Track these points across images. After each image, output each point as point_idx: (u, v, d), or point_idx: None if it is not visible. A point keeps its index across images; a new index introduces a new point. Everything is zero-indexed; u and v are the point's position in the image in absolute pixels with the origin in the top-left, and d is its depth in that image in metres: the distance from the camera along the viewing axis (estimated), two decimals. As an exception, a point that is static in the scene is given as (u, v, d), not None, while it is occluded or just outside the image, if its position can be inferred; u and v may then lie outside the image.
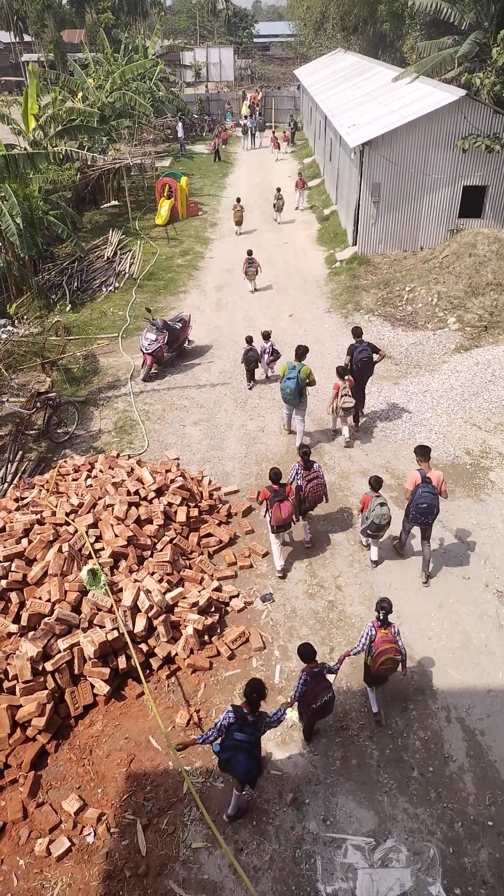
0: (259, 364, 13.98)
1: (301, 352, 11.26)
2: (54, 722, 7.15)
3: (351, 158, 20.47)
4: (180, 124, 38.12)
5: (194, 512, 9.96)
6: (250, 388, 14.08)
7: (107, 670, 7.48)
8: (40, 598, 7.87)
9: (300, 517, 9.43)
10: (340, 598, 8.89)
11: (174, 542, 9.27)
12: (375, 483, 8.80)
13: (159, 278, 20.14)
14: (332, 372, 14.12)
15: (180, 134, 37.75)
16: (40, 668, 7.29)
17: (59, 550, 8.33)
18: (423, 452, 8.68)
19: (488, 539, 9.74)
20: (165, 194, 25.29)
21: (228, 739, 5.80)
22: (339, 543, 9.82)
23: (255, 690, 5.84)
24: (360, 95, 24.68)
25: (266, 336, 13.89)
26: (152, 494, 9.86)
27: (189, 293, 19.14)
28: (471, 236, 17.22)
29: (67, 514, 9.18)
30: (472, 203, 19.47)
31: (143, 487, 9.89)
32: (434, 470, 8.73)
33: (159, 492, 10.00)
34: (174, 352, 15.01)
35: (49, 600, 7.84)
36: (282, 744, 7.08)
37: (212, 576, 9.11)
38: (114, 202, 27.09)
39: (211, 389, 14.01)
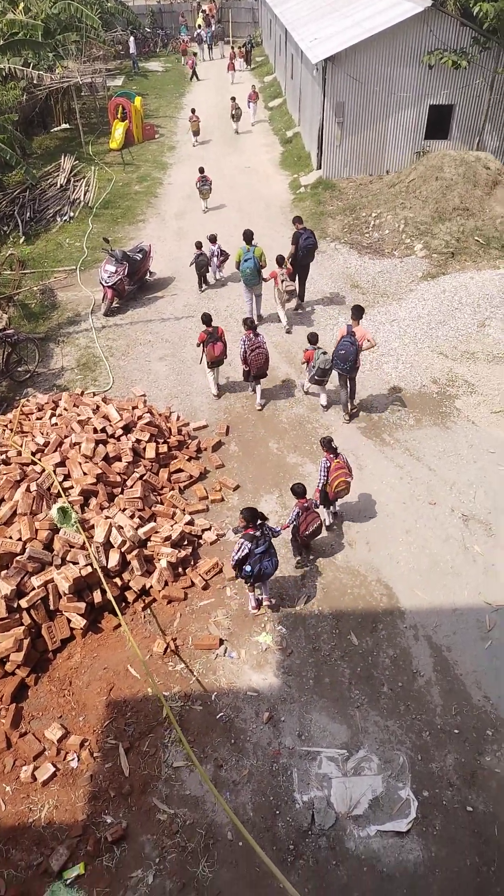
0: (209, 268, 14.51)
1: (249, 235, 12.53)
2: (32, 656, 7.25)
3: (313, 76, 19.56)
4: (132, 39, 35.76)
5: (163, 448, 9.90)
6: (202, 292, 14.73)
7: (82, 605, 7.55)
8: (10, 538, 7.82)
9: (248, 382, 11.11)
10: (311, 527, 9.03)
11: (144, 478, 9.24)
12: (313, 338, 10.59)
13: (116, 206, 19.31)
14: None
15: (132, 50, 35.50)
16: (15, 605, 7.32)
17: (28, 490, 8.23)
18: (356, 312, 10.29)
19: (454, 465, 9.93)
20: (119, 116, 23.91)
21: (253, 558, 7.07)
22: (312, 480, 9.91)
23: (251, 511, 7.15)
24: (323, 6, 23.34)
25: (213, 239, 14.37)
26: (119, 432, 9.75)
27: (148, 222, 18.43)
28: (437, 159, 16.78)
29: (33, 454, 9.04)
30: (438, 124, 18.91)
31: (110, 425, 9.75)
32: (360, 327, 10.15)
33: (127, 429, 9.89)
34: (135, 284, 14.55)
35: (20, 539, 7.80)
36: (257, 667, 7.31)
37: (183, 510, 9.15)
38: (64, 125, 25.60)
39: (176, 323, 13.70)
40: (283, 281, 12.48)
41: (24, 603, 7.32)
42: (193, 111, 24.16)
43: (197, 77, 34.64)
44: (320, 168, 19.63)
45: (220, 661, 7.40)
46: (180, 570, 8.34)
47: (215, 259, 14.37)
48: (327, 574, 8.37)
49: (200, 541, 8.85)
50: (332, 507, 8.90)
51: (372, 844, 5.91)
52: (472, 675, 7.18)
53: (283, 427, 10.74)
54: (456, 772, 6.38)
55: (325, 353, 10.38)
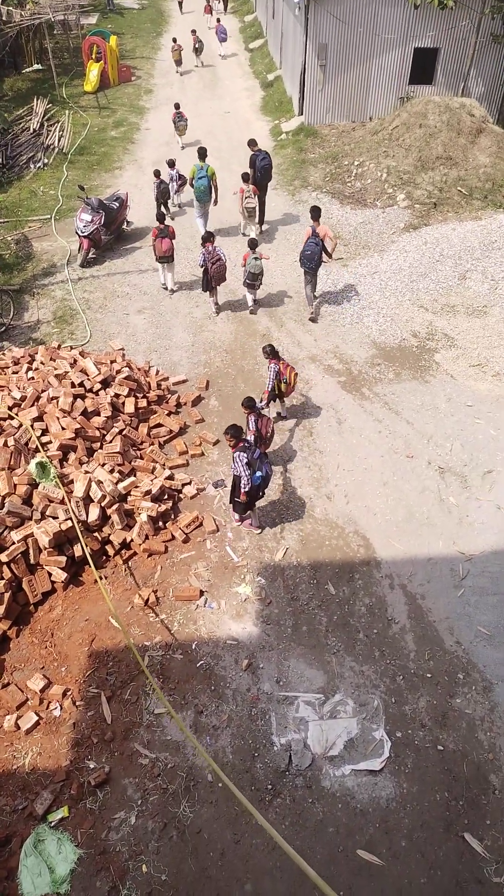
0: (170, 195, 15.00)
1: (203, 152, 13.36)
2: (13, 609, 7.31)
3: (295, 15, 18.80)
4: (106, -28, 34.00)
5: (143, 403, 9.83)
6: (171, 219, 15.26)
7: (63, 558, 7.60)
8: (-11, 493, 7.79)
9: (208, 292, 11.95)
10: (290, 480, 9.10)
11: (123, 433, 9.19)
12: (252, 243, 11.51)
13: (92, 153, 18.68)
14: (281, 257, 13.81)
15: (107, -16, 33.77)
16: (-5, 559, 7.34)
17: (5, 444, 8.16)
18: (314, 213, 11.24)
19: (432, 419, 9.99)
20: (94, 57, 22.92)
21: (254, 466, 7.54)
22: (292, 434, 9.92)
23: (236, 427, 7.57)
24: None
25: (171, 164, 14.87)
26: (98, 386, 9.64)
27: (125, 169, 17.89)
28: (421, 105, 16.34)
29: (10, 408, 8.93)
30: (423, 68, 18.37)
31: (88, 379, 9.64)
32: (322, 226, 11.21)
33: (105, 383, 9.79)
34: (112, 234, 14.19)
35: (-2, 494, 7.77)
36: (237, 616, 7.45)
37: (163, 465, 9.15)
38: (36, 66, 24.54)
39: (154, 275, 13.43)
40: (246, 197, 13.46)
41: (3, 557, 7.34)
42: (175, 40, 24.81)
43: (181, 9, 34.03)
44: (302, 114, 19.08)
45: (200, 612, 7.52)
46: (160, 523, 8.40)
47: (174, 184, 14.88)
48: (306, 526, 8.48)
49: (180, 495, 8.89)
50: (283, 403, 9.97)
51: (346, 783, 6.15)
52: (445, 621, 7.39)
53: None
54: (428, 713, 6.62)
55: (256, 258, 11.36)
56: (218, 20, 27.87)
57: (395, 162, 15.81)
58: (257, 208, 14.06)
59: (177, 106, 18.14)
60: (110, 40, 23.22)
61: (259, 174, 13.77)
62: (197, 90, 23.09)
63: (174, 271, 12.73)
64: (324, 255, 11.32)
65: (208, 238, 11.45)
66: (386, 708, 6.66)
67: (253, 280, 11.73)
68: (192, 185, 13.25)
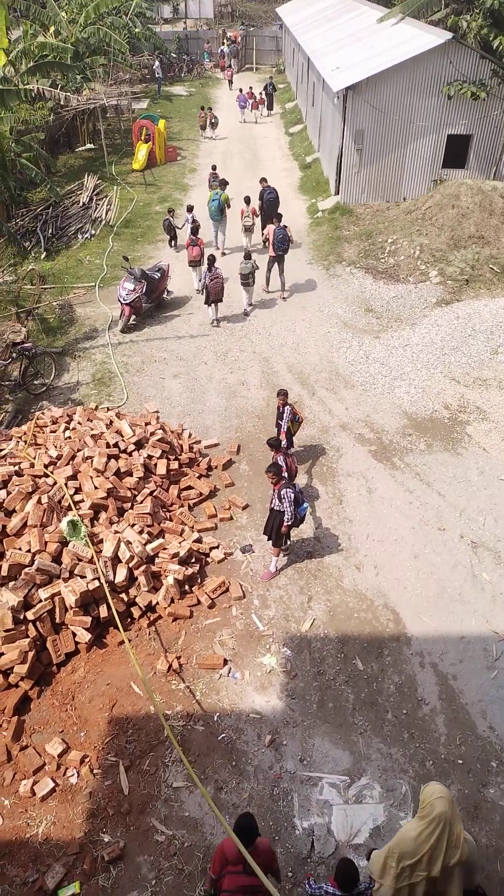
0: (175, 233, 17.72)
1: (222, 182, 17.44)
2: (36, 669, 7.24)
3: (334, 104, 19.87)
4: (158, 63, 36.54)
5: (174, 465, 9.95)
6: (172, 247, 17.97)
7: (88, 619, 7.56)
8: (20, 549, 7.86)
9: (209, 305, 14.17)
10: (319, 549, 9.02)
11: (154, 494, 9.28)
12: (246, 255, 14.11)
13: (137, 226, 19.61)
14: (314, 328, 14.12)
15: (158, 74, 36.22)
16: (21, 616, 7.34)
17: (39, 502, 8.29)
18: (277, 217, 14.83)
19: (464, 492, 9.90)
20: (143, 138, 24.38)
21: (300, 500, 8.13)
22: (321, 502, 9.91)
23: (277, 466, 8.24)
24: (345, 37, 23.78)
25: (189, 209, 16.78)
26: (132, 447, 9.81)
27: (167, 242, 18.67)
28: (454, 187, 16.94)
29: (46, 466, 9.11)
30: (456, 153, 19.12)
31: (123, 440, 9.82)
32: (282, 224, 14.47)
33: (139, 444, 9.96)
34: (152, 302, 14.73)
35: (29, 551, 7.84)
36: (261, 688, 7.27)
37: (192, 527, 9.17)
38: (89, 145, 26.11)
39: (191, 341, 13.84)
40: (245, 216, 16.50)
41: (30, 615, 7.34)
42: (202, 108, 28.39)
43: (230, 86, 37.59)
44: (338, 193, 19.87)
45: (223, 682, 7.36)
46: (187, 587, 8.34)
47: (188, 225, 16.40)
48: (334, 597, 8.34)
49: (208, 559, 8.85)
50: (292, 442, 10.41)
51: (372, 875, 5.80)
52: (478, 704, 7.10)
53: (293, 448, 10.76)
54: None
55: (247, 263, 13.88)
56: (241, 90, 31.98)
57: (428, 240, 16.27)
58: (254, 225, 16.92)
59: (213, 168, 20.14)
60: (159, 123, 24.71)
61: (265, 204, 16.83)
62: (238, 170, 24.25)
63: (202, 274, 14.88)
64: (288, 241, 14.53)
65: (212, 262, 13.65)
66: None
67: (245, 280, 14.08)
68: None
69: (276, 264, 14.99)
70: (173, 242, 17.91)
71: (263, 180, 17.26)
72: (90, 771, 6.51)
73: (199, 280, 15.32)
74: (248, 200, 16.52)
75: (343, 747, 6.74)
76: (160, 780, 6.47)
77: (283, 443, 9.51)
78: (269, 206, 16.70)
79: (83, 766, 6.54)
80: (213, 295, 13.91)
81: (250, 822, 4.90)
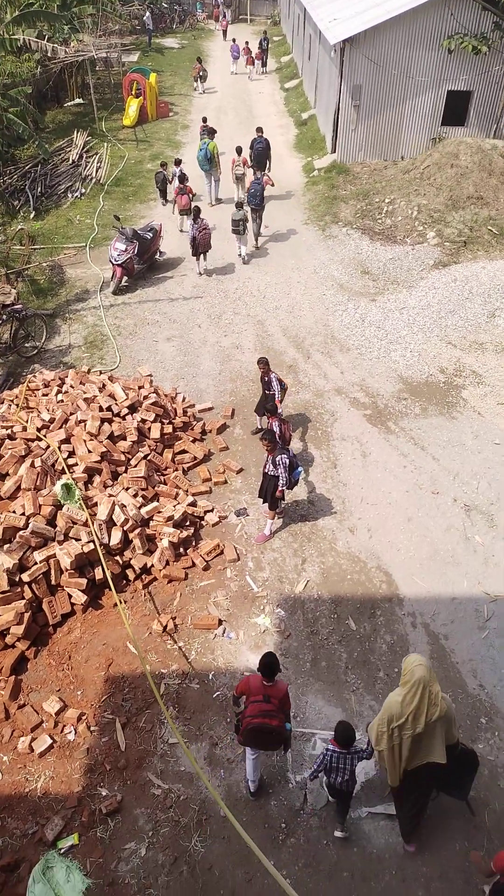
0: (167, 184, 17.26)
1: (210, 130, 17.65)
2: (32, 630, 7.30)
3: (331, 57, 19.29)
4: (148, 13, 35.30)
5: (168, 429, 9.90)
6: (164, 205, 17.72)
7: (84, 581, 7.60)
8: (14, 513, 7.85)
9: (196, 257, 14.40)
10: (313, 512, 9.06)
11: (148, 458, 9.25)
12: (238, 204, 14.49)
13: (128, 184, 19.17)
14: (309, 290, 13.96)
15: (148, 25, 35.03)
16: (17, 579, 7.37)
17: (32, 465, 8.26)
18: (260, 165, 16.36)
19: (458, 455, 9.92)
20: (133, 92, 23.68)
21: (294, 464, 8.20)
22: (316, 465, 9.91)
23: (272, 433, 8.15)
24: (343, -15, 22.96)
25: (178, 162, 16.57)
26: (125, 411, 9.75)
27: (160, 200, 18.28)
28: (453, 146, 16.60)
29: (39, 430, 9.05)
30: (455, 110, 18.67)
31: (116, 403, 9.75)
32: (264, 175, 15.33)
33: (132, 408, 9.89)
34: (145, 263, 14.48)
35: (23, 514, 7.83)
36: (255, 648, 7.37)
37: (186, 491, 9.17)
38: (78, 100, 25.36)
39: (184, 303, 13.65)
40: (236, 166, 16.71)
41: (25, 577, 7.37)
42: (199, 59, 28.40)
43: (224, 37, 37.25)
44: (335, 152, 19.44)
45: (218, 641, 7.46)
46: (181, 550, 8.38)
47: (175, 179, 16.38)
48: (328, 559, 8.41)
49: (202, 522, 8.88)
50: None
51: (363, 826, 5.98)
52: (469, 663, 7.23)
53: (287, 412, 10.73)
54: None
55: (236, 210, 14.24)
56: (234, 40, 32.19)
57: (426, 200, 15.99)
58: (244, 173, 16.93)
59: (204, 119, 19.85)
60: (150, 77, 23.99)
61: (255, 153, 16.99)
62: (232, 127, 23.65)
63: (191, 221, 14.33)
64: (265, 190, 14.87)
65: (197, 213, 13.72)
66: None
67: (235, 226, 14.31)
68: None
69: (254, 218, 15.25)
70: (166, 200, 17.76)
71: (259, 130, 17.48)
72: (87, 728, 6.62)
73: (187, 225, 15.28)
74: (239, 150, 16.66)
75: (336, 704, 6.87)
76: (156, 736, 6.59)
77: (279, 409, 9.46)
78: (257, 156, 16.97)
79: (80, 723, 6.65)
80: (203, 246, 14.04)
81: (273, 660, 5.56)
